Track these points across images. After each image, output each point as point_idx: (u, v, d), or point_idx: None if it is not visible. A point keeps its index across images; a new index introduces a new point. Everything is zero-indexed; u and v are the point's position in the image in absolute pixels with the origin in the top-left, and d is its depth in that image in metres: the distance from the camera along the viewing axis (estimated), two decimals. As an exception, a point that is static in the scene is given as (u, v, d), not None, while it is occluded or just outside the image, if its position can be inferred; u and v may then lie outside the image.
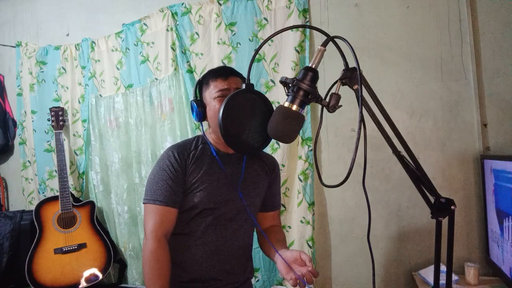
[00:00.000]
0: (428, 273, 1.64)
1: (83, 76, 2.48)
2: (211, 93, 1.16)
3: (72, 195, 2.32)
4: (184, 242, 1.17)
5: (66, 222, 2.22)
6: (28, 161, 2.61)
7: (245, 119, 0.93)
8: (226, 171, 1.18)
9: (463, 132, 1.77)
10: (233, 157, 1.22)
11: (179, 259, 1.16)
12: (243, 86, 0.93)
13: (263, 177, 1.28)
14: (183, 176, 1.14)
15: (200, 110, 1.17)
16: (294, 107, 0.79)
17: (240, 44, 2.06)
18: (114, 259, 2.25)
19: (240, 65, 2.01)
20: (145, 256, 1.07)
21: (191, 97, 1.24)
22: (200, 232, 1.16)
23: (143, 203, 1.14)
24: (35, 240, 2.14)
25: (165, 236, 1.10)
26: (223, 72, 1.18)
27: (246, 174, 1.23)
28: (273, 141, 1.81)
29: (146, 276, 1.06)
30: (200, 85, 1.22)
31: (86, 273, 2.14)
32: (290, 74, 1.91)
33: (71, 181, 2.44)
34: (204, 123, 1.24)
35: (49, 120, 2.39)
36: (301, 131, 1.92)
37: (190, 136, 1.85)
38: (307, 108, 1.93)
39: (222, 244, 1.17)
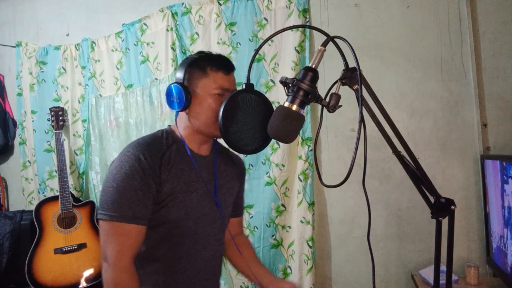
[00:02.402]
0: (428, 273, 1.64)
1: (83, 76, 2.48)
2: (208, 87, 0.95)
3: (72, 195, 2.32)
4: (160, 269, 0.96)
5: (66, 222, 2.22)
6: (28, 161, 2.61)
7: (245, 119, 0.93)
8: (202, 176, 1.00)
9: (463, 132, 1.77)
10: (206, 159, 1.05)
11: None
12: (243, 86, 0.92)
13: (236, 180, 1.15)
14: (156, 185, 0.91)
15: (187, 100, 0.94)
16: (294, 107, 0.79)
17: (240, 44, 2.06)
18: (114, 259, 2.25)
19: (240, 65, 2.00)
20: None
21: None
22: (178, 257, 0.97)
23: (100, 219, 0.90)
24: (35, 240, 2.14)
25: (132, 261, 0.90)
26: (226, 66, 0.98)
27: (221, 180, 1.07)
28: (273, 141, 1.80)
29: None
30: (191, 67, 0.97)
31: (86, 273, 2.14)
32: (290, 74, 1.91)
33: (71, 181, 2.44)
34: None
35: (49, 120, 2.40)
36: (301, 131, 1.92)
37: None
38: (307, 108, 1.92)
39: (203, 265, 1.02)
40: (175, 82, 0.97)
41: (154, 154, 0.93)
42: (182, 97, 0.94)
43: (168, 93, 0.98)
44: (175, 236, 0.97)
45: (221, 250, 1.11)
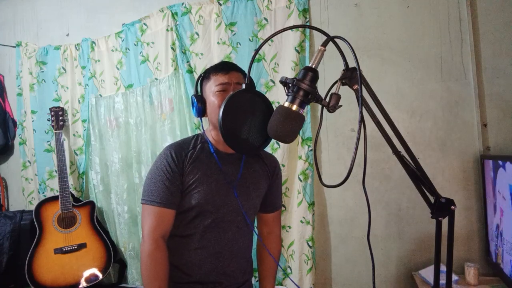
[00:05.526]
0: (428, 273, 1.64)
1: (83, 76, 2.48)
2: (211, 88, 1.13)
3: (72, 195, 2.32)
4: (183, 245, 1.15)
5: (66, 222, 2.22)
6: (28, 161, 2.61)
7: (245, 119, 0.93)
8: (225, 171, 1.15)
9: (463, 132, 1.77)
10: (233, 156, 1.18)
11: (178, 261, 1.14)
12: (243, 86, 0.93)
13: (264, 177, 1.26)
14: (180, 176, 1.11)
15: (200, 106, 1.14)
16: (294, 107, 0.78)
17: (240, 44, 2.06)
18: (114, 259, 2.25)
19: (240, 65, 1.98)
20: (143, 257, 1.06)
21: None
22: (199, 235, 1.13)
23: (141, 203, 1.13)
24: (35, 240, 2.14)
25: (162, 237, 1.09)
26: (225, 67, 1.16)
27: (246, 175, 1.20)
28: (273, 141, 1.80)
29: (144, 278, 1.06)
30: (201, 79, 1.20)
31: (86, 273, 2.14)
32: (290, 74, 1.91)
33: (71, 181, 2.44)
34: (205, 120, 1.22)
35: (49, 120, 2.40)
36: (301, 131, 1.92)
37: (190, 136, 1.84)
38: (307, 108, 1.93)
39: (222, 247, 1.15)
40: (192, 95, 1.17)
41: (180, 151, 1.14)
42: (196, 104, 1.14)
43: (191, 104, 1.21)
44: (197, 218, 1.13)
45: (245, 237, 1.22)
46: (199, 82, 1.21)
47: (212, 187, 1.13)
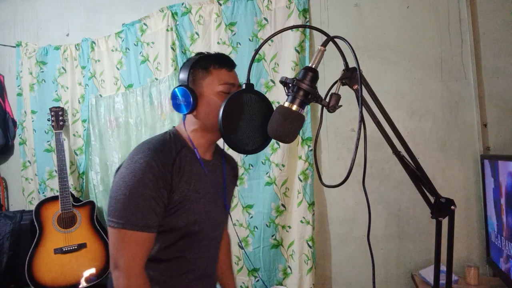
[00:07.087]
0: (428, 273, 1.64)
1: (83, 76, 2.48)
2: (213, 85, 0.95)
3: (72, 195, 2.32)
4: (165, 271, 0.98)
5: (66, 222, 2.22)
6: (28, 161, 2.61)
7: (245, 119, 0.92)
8: (210, 182, 1.03)
9: (463, 132, 1.77)
10: (210, 164, 1.05)
11: None
12: (243, 86, 0.92)
13: (233, 182, 1.19)
14: (168, 193, 0.90)
15: (195, 102, 0.93)
16: (294, 107, 0.78)
17: (240, 44, 2.06)
18: (114, 259, 2.25)
19: (240, 65, 1.98)
20: None
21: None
22: (185, 259, 0.98)
23: (112, 227, 0.87)
24: (35, 240, 2.14)
25: (144, 268, 0.90)
26: (228, 62, 0.99)
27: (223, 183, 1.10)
28: (273, 141, 1.80)
29: None
30: (194, 68, 0.96)
31: (86, 273, 2.14)
32: (290, 74, 1.91)
33: (71, 181, 2.44)
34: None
35: (49, 120, 2.40)
36: (301, 131, 1.92)
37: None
38: (307, 108, 1.93)
39: (206, 267, 1.05)
40: (180, 85, 0.95)
41: (166, 162, 0.91)
42: (189, 99, 0.93)
43: (174, 97, 0.96)
44: (181, 240, 0.97)
45: (218, 252, 1.13)
46: (190, 71, 0.96)
47: (200, 204, 0.97)
